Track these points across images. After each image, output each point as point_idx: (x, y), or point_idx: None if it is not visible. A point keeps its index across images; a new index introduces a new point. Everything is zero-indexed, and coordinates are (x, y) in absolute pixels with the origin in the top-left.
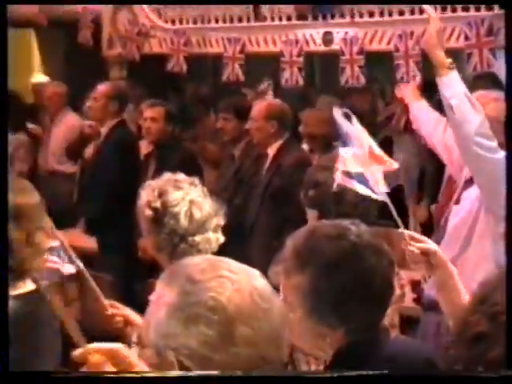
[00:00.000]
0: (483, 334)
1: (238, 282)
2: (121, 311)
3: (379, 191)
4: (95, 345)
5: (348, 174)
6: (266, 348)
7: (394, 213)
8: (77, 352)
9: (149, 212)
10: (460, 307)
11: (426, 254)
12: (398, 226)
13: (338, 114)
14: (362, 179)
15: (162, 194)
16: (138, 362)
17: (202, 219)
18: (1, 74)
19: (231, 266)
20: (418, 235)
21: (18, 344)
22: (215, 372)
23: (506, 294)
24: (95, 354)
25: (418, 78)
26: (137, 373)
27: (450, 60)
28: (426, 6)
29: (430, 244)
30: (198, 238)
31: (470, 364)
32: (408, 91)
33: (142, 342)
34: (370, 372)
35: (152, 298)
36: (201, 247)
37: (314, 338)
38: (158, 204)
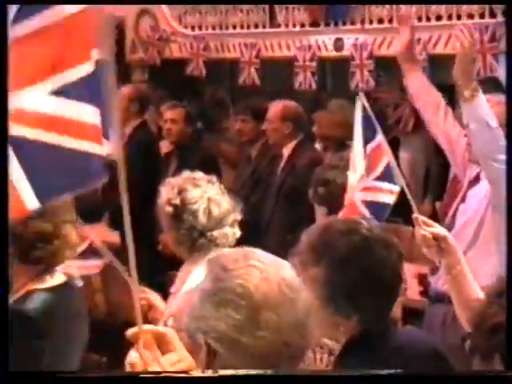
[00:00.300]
0: (501, 325)
1: (267, 272)
2: (147, 295)
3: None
4: (147, 326)
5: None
6: (290, 335)
7: (410, 197)
8: (130, 332)
9: (169, 209)
10: (468, 294)
11: (436, 238)
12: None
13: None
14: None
15: (181, 192)
16: (179, 347)
17: (219, 215)
18: (1, 74)
19: (262, 257)
20: (430, 221)
21: (50, 335)
22: (215, 372)
23: (507, 294)
24: (146, 334)
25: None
26: (136, 373)
27: (475, 86)
28: (460, 36)
29: (440, 229)
30: (215, 233)
31: (487, 354)
32: (404, 56)
33: (178, 325)
34: (368, 372)
35: (173, 290)
36: (218, 241)
37: (328, 327)
38: (177, 201)
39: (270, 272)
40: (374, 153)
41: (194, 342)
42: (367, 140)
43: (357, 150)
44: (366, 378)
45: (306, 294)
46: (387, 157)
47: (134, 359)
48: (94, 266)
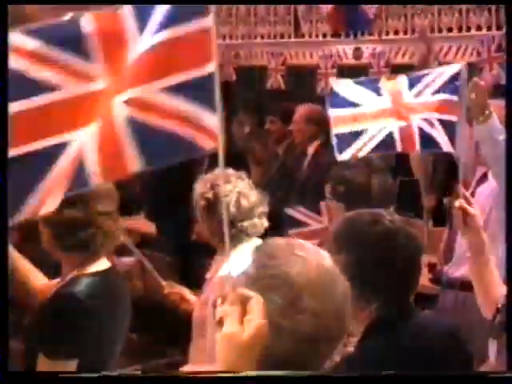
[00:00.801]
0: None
1: (308, 261)
2: (177, 290)
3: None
4: (240, 290)
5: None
6: (328, 319)
7: (460, 173)
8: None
9: (203, 202)
10: (489, 278)
11: (467, 213)
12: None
13: None
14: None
15: (213, 187)
16: (259, 316)
17: (248, 207)
18: (1, 74)
19: (304, 247)
20: (469, 196)
21: (96, 316)
22: (214, 373)
23: (507, 294)
24: (235, 294)
25: None
26: (136, 373)
27: (489, 113)
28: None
29: (471, 208)
30: (245, 224)
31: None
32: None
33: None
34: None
35: (208, 276)
36: (248, 231)
37: (353, 309)
38: (210, 195)
39: (310, 261)
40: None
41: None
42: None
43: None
44: (366, 377)
45: (343, 281)
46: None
47: (221, 313)
48: (126, 263)
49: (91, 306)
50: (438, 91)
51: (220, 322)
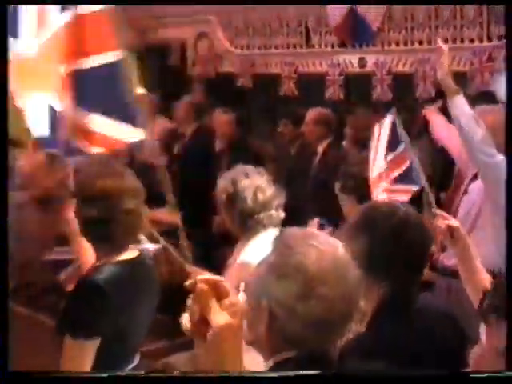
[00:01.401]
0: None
1: (322, 251)
2: (200, 275)
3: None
4: (203, 275)
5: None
6: (340, 304)
7: (431, 196)
8: (187, 282)
9: (223, 196)
10: (475, 275)
11: (451, 228)
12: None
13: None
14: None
15: (234, 182)
16: (231, 294)
17: (264, 201)
18: (1, 74)
19: (319, 238)
20: (446, 214)
21: (118, 302)
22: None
23: (507, 293)
24: (202, 283)
25: (439, 102)
26: (136, 374)
27: (457, 87)
28: (439, 42)
29: (453, 222)
30: (262, 216)
31: (501, 313)
32: (431, 112)
33: (247, 291)
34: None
35: (229, 262)
36: (265, 222)
37: (363, 290)
38: (231, 189)
39: (324, 251)
40: (396, 159)
41: (259, 306)
42: (391, 147)
43: (380, 153)
44: (365, 377)
45: (355, 270)
46: (409, 161)
47: (190, 306)
48: (151, 250)
49: (111, 291)
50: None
51: (204, 322)
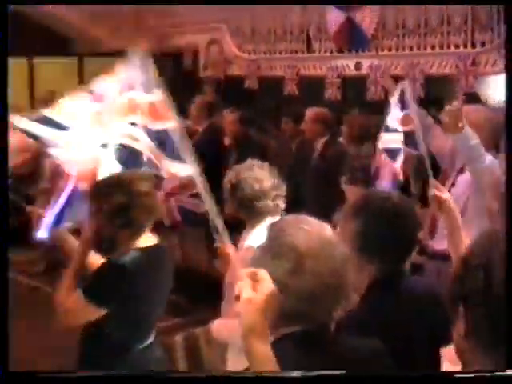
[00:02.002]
0: (459, 278)
1: (311, 232)
2: (225, 246)
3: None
4: (246, 270)
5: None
6: (329, 279)
7: (428, 164)
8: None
9: (229, 185)
10: (461, 243)
11: (441, 198)
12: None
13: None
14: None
15: (237, 174)
16: (269, 283)
17: (262, 191)
18: (1, 74)
19: (309, 222)
20: (440, 185)
21: (139, 284)
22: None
23: (506, 290)
24: (244, 274)
25: None
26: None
27: (462, 123)
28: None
29: (446, 194)
30: (259, 204)
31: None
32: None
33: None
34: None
35: (238, 246)
36: (263, 211)
37: (357, 270)
38: (234, 180)
39: (313, 232)
40: (404, 118)
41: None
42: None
43: (393, 113)
44: (364, 377)
45: (342, 248)
46: (414, 125)
47: (237, 288)
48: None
49: (133, 273)
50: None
51: (237, 297)
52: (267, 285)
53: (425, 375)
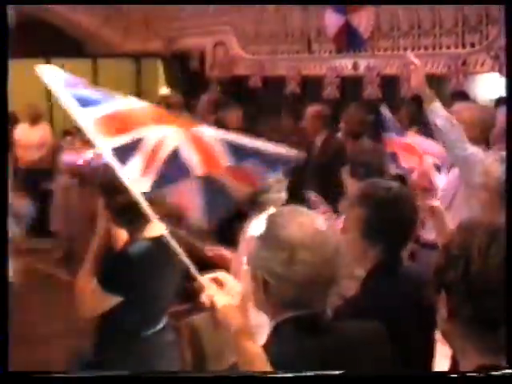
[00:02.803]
0: (441, 267)
1: (303, 223)
2: (216, 250)
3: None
4: (206, 276)
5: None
6: (322, 268)
7: None
8: (196, 281)
9: None
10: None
11: (432, 207)
12: None
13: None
14: None
15: None
16: (233, 282)
17: (267, 185)
18: (1, 73)
19: (302, 213)
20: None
21: (145, 273)
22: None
23: (505, 288)
24: (207, 280)
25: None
26: (135, 374)
27: (432, 94)
28: (412, 58)
29: (434, 201)
30: (263, 198)
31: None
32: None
33: (248, 263)
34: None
35: (242, 237)
36: (267, 203)
37: (360, 253)
38: None
39: (305, 223)
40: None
41: (255, 275)
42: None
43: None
44: (362, 377)
45: (335, 238)
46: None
47: (207, 298)
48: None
49: (141, 262)
50: None
51: (212, 306)
52: (235, 285)
53: (472, 374)
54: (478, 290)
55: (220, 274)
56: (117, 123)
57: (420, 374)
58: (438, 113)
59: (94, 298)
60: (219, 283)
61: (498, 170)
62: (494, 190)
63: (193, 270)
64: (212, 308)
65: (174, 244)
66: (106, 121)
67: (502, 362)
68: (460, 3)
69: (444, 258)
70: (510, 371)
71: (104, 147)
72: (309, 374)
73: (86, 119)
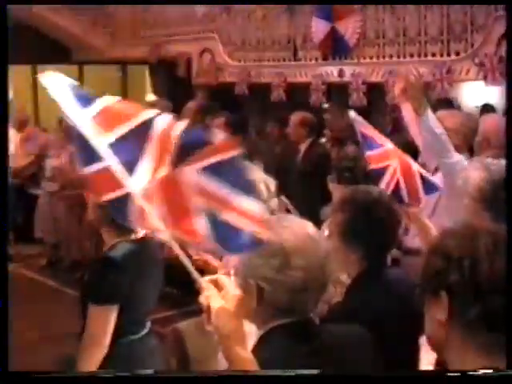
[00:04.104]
0: (439, 271)
1: (294, 230)
2: (202, 257)
3: None
4: (206, 277)
5: None
6: (314, 273)
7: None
8: (201, 281)
9: None
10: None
11: (412, 213)
12: None
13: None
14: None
15: None
16: (232, 288)
17: (273, 190)
18: (1, 73)
19: (292, 220)
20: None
21: (129, 274)
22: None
23: (506, 290)
24: (207, 282)
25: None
26: (135, 374)
27: (426, 104)
28: (404, 74)
29: (414, 208)
30: (272, 203)
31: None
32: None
33: (237, 273)
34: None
35: None
36: (274, 208)
37: (343, 257)
38: None
39: (296, 229)
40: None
41: (247, 283)
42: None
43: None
44: (359, 377)
45: (325, 243)
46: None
47: (204, 300)
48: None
49: (124, 264)
50: None
51: (207, 308)
52: (232, 289)
53: (472, 374)
54: (486, 291)
55: (220, 277)
56: (113, 116)
57: (417, 373)
58: (427, 125)
59: (98, 323)
60: (218, 286)
61: (477, 178)
62: (474, 198)
63: (191, 270)
64: (207, 309)
65: (173, 245)
66: (103, 116)
67: (502, 364)
68: (460, 3)
69: (443, 261)
70: (510, 373)
71: (104, 145)
72: (299, 372)
73: (87, 120)
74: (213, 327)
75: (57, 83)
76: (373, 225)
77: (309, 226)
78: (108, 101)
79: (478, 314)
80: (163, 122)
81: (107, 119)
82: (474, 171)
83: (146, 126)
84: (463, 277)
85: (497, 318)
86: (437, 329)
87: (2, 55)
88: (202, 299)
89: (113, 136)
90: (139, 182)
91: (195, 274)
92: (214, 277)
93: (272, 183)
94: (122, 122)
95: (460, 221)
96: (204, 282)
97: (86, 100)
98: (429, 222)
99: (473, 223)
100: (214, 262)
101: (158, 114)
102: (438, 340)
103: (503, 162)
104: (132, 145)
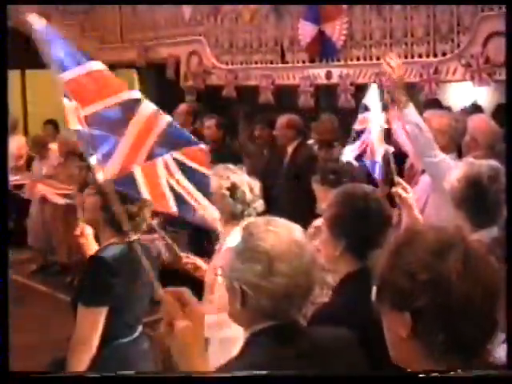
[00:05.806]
0: (403, 290)
1: (280, 234)
2: (191, 260)
3: None
4: (168, 288)
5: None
6: (299, 278)
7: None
8: (157, 294)
9: (225, 191)
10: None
11: (400, 196)
12: None
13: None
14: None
15: (227, 178)
16: (197, 305)
17: (258, 192)
18: (1, 73)
19: (278, 223)
20: (404, 183)
21: (120, 276)
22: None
23: (506, 290)
24: (168, 295)
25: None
26: (135, 374)
27: (407, 98)
28: (390, 59)
29: (406, 192)
30: (256, 204)
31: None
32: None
33: (224, 275)
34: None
35: (216, 247)
36: (258, 210)
37: (331, 253)
38: (229, 185)
39: (282, 234)
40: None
41: (232, 287)
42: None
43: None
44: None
45: (311, 248)
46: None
47: (166, 316)
48: (152, 238)
49: (115, 266)
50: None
51: (168, 324)
52: (196, 307)
53: (472, 374)
54: (456, 316)
55: (185, 292)
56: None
57: (416, 373)
58: (409, 119)
59: (87, 324)
60: (181, 300)
61: (453, 177)
62: (457, 199)
63: (156, 284)
64: (169, 327)
65: (139, 253)
66: (78, 83)
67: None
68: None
69: (408, 281)
70: (510, 374)
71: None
72: (286, 373)
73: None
74: (173, 343)
75: (46, 29)
76: (362, 220)
77: (296, 231)
78: (98, 65)
79: (446, 340)
80: (148, 109)
81: (93, 82)
82: (453, 171)
83: (130, 105)
84: (430, 303)
85: (468, 342)
86: (397, 342)
87: (2, 55)
88: (163, 315)
89: (95, 105)
90: (110, 167)
91: (156, 284)
92: (178, 289)
93: (256, 185)
94: (108, 91)
95: (434, 227)
96: (167, 297)
97: (75, 58)
98: (418, 214)
99: (446, 231)
100: (202, 264)
101: (143, 100)
102: (398, 352)
103: (486, 162)
104: (110, 119)
